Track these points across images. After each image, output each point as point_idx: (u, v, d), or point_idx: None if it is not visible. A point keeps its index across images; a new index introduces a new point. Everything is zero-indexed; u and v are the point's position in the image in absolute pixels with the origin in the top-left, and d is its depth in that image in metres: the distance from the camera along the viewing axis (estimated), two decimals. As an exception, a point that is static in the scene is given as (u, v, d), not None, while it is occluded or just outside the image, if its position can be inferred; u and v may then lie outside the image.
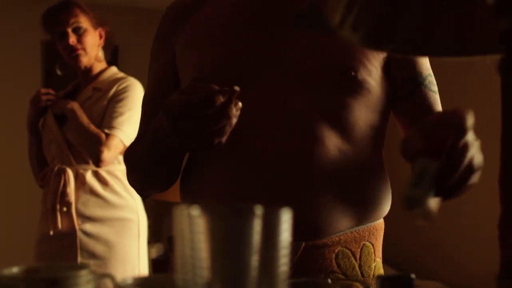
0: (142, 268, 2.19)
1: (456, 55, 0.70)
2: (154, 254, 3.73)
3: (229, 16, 1.06)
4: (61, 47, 2.16)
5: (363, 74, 0.98)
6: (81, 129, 2.07)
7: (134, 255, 2.16)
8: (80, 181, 2.10)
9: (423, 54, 0.89)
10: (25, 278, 0.68)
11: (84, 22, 2.15)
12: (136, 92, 2.18)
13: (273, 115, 0.97)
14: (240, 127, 0.89)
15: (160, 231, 3.89)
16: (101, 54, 2.26)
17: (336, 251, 0.97)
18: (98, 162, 2.06)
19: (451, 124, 0.69)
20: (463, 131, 0.69)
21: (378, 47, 0.74)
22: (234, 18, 1.06)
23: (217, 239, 0.50)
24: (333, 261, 0.96)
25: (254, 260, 0.51)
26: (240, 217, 0.51)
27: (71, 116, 2.09)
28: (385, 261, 1.09)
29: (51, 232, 2.07)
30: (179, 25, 1.11)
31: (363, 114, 1.00)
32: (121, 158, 2.15)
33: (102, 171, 2.12)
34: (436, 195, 0.66)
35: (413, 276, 0.70)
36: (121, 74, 2.26)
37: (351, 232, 0.98)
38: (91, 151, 2.07)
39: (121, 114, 2.11)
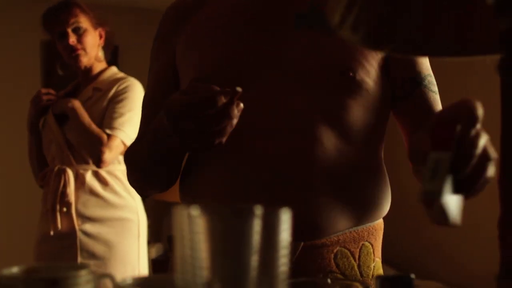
0: (142, 268, 2.19)
1: (456, 55, 0.70)
2: (154, 254, 3.73)
3: (229, 16, 1.06)
4: (61, 47, 2.16)
5: (361, 75, 0.98)
6: (82, 128, 2.07)
7: (134, 255, 2.16)
8: (80, 181, 2.10)
9: (423, 54, 0.89)
10: (24, 278, 0.68)
11: (84, 22, 2.15)
12: (136, 93, 2.18)
13: (274, 115, 0.97)
14: (240, 127, 0.89)
15: (160, 231, 3.89)
16: (101, 54, 2.26)
17: (335, 251, 0.97)
18: (99, 162, 2.06)
19: (461, 113, 0.66)
20: (473, 119, 0.65)
21: (378, 47, 0.74)
22: (234, 18, 1.05)
23: (217, 239, 0.50)
24: (332, 261, 0.96)
25: (254, 260, 0.51)
26: (240, 217, 0.51)
27: (72, 114, 2.09)
28: (384, 261, 1.09)
29: (51, 232, 2.07)
30: (179, 25, 1.11)
31: (362, 114, 1.00)
32: (121, 158, 2.15)
33: (102, 171, 2.12)
34: (456, 191, 0.64)
35: (412, 276, 0.70)
36: (121, 74, 2.26)
37: (350, 232, 0.98)
38: (92, 151, 2.07)
39: (122, 114, 2.11)
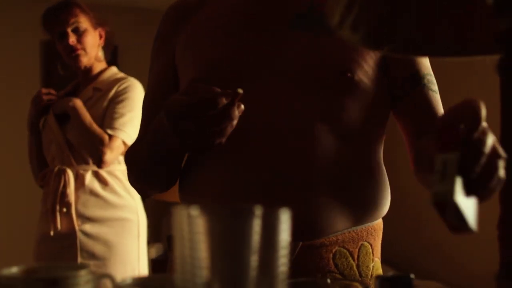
0: (142, 268, 2.19)
1: (456, 55, 0.70)
2: (154, 254, 3.73)
3: (229, 16, 1.06)
4: (61, 47, 2.16)
5: (359, 75, 0.98)
6: (84, 128, 2.07)
7: (134, 255, 2.16)
8: (80, 181, 2.10)
9: (423, 54, 0.89)
10: (24, 278, 0.68)
11: (84, 22, 2.15)
12: (136, 93, 2.18)
13: (273, 115, 0.97)
14: (239, 126, 0.89)
15: (160, 231, 3.89)
16: (101, 54, 2.25)
17: (334, 251, 0.97)
18: (100, 163, 2.06)
19: (464, 114, 0.64)
20: (478, 119, 0.64)
21: (378, 47, 0.73)
22: (234, 18, 1.05)
23: (217, 239, 0.50)
24: (331, 261, 0.96)
25: (254, 260, 0.50)
26: (239, 217, 0.51)
27: (73, 114, 2.09)
28: (384, 261, 1.09)
29: (51, 233, 2.07)
30: (179, 26, 1.11)
31: (361, 114, 1.00)
32: (121, 158, 2.15)
33: (102, 171, 2.12)
34: (469, 193, 0.61)
35: (412, 276, 0.70)
36: (121, 74, 2.26)
37: (349, 232, 0.98)
38: (93, 152, 2.07)
39: (123, 115, 2.11)
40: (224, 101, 0.84)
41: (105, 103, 2.14)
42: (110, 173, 2.14)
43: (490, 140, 0.65)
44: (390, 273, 0.70)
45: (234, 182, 0.97)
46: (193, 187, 1.04)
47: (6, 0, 4.06)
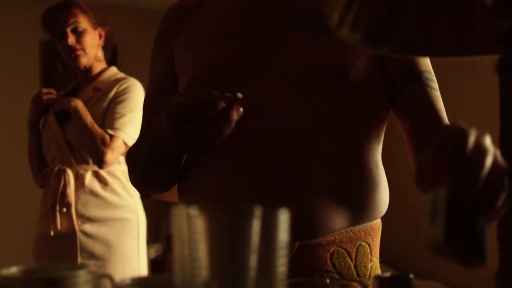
0: (141, 268, 2.19)
1: (456, 55, 0.70)
2: (153, 255, 3.73)
3: (229, 16, 1.06)
4: (60, 47, 2.16)
5: (359, 75, 0.98)
6: (85, 128, 2.06)
7: (134, 255, 2.16)
8: (80, 181, 2.10)
9: (423, 54, 0.89)
10: (23, 278, 0.68)
11: (83, 22, 2.14)
12: (137, 93, 2.18)
13: (273, 115, 0.97)
14: (239, 127, 0.89)
15: (159, 231, 3.89)
16: (100, 54, 2.25)
17: (331, 250, 0.96)
18: (101, 163, 2.06)
19: (448, 141, 0.60)
20: (463, 140, 0.59)
21: (377, 47, 0.73)
22: (234, 18, 1.05)
23: (216, 239, 0.50)
24: (328, 260, 0.96)
25: (253, 260, 0.50)
26: (238, 217, 0.51)
27: (75, 114, 2.08)
28: (383, 261, 1.09)
29: (51, 233, 2.07)
30: (179, 26, 1.11)
31: (360, 114, 1.00)
32: (121, 158, 2.15)
33: (102, 171, 2.12)
34: (474, 216, 0.56)
35: (411, 276, 0.70)
36: (121, 75, 2.26)
37: (347, 232, 0.98)
38: (94, 152, 2.06)
39: (123, 115, 2.10)
40: (223, 104, 0.84)
41: (106, 103, 2.13)
42: (110, 173, 2.14)
43: (489, 158, 0.60)
44: (389, 273, 0.70)
45: (233, 182, 0.97)
46: (192, 187, 1.04)
47: (6, 0, 4.06)
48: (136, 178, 1.12)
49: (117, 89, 2.16)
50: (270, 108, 0.97)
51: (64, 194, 2.07)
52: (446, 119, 1.01)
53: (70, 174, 2.09)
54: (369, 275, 0.99)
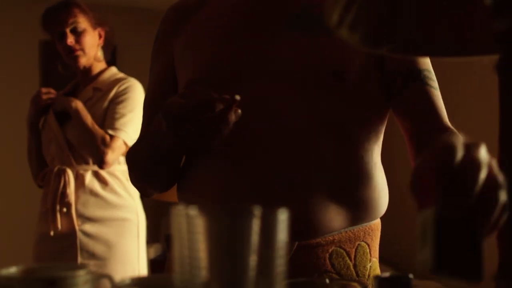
0: (141, 268, 2.19)
1: (456, 55, 0.69)
2: (152, 255, 3.72)
3: (229, 16, 1.06)
4: (60, 47, 2.16)
5: (356, 75, 0.98)
6: (85, 129, 2.06)
7: (134, 255, 2.16)
8: (80, 181, 2.10)
9: (423, 54, 0.89)
10: (22, 278, 0.68)
11: (83, 22, 2.14)
12: (137, 93, 2.18)
13: (271, 115, 0.97)
14: (238, 127, 0.90)
15: (158, 231, 3.88)
16: (100, 54, 2.25)
17: (330, 250, 0.96)
18: (101, 164, 2.06)
19: (435, 161, 0.58)
20: (450, 156, 0.57)
21: (377, 47, 0.73)
22: (234, 18, 1.06)
23: (215, 239, 0.50)
24: (327, 260, 0.96)
25: (252, 260, 0.50)
26: (238, 217, 0.51)
27: (75, 115, 2.08)
28: (382, 261, 1.08)
29: (51, 233, 2.06)
30: (179, 26, 1.11)
31: (359, 114, 1.00)
32: (121, 158, 2.15)
33: (102, 171, 2.12)
34: (469, 234, 0.53)
35: (411, 276, 0.70)
36: (121, 75, 2.26)
37: (346, 232, 0.98)
38: (94, 152, 2.06)
39: (123, 115, 2.10)
40: (220, 106, 0.85)
41: (106, 104, 2.13)
42: (110, 173, 2.14)
43: (482, 172, 0.57)
44: (388, 273, 0.70)
45: (233, 182, 0.97)
46: (192, 187, 1.04)
47: (6, 0, 4.06)
48: (136, 177, 1.12)
49: (117, 89, 2.15)
50: (270, 108, 0.97)
51: (64, 194, 2.07)
52: (446, 119, 1.01)
53: (70, 174, 2.09)
54: (368, 275, 0.99)
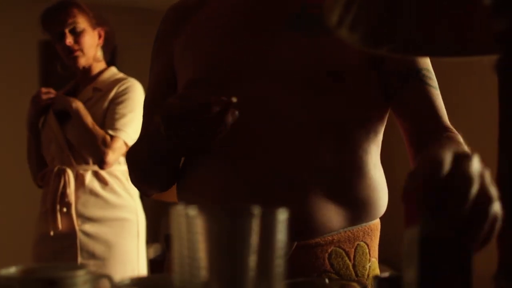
0: (141, 268, 2.19)
1: (456, 55, 0.69)
2: (152, 255, 3.72)
3: (229, 16, 1.06)
4: (59, 47, 2.16)
5: (356, 75, 0.98)
6: (86, 130, 2.06)
7: (134, 255, 2.16)
8: (80, 181, 2.10)
9: (423, 54, 0.89)
10: (22, 278, 0.68)
11: (82, 22, 2.14)
12: (137, 93, 2.18)
13: (270, 116, 0.97)
14: (237, 127, 0.90)
15: (158, 231, 3.88)
16: (99, 54, 2.25)
17: (329, 250, 0.96)
18: (102, 164, 2.06)
19: (421, 178, 0.56)
20: (436, 170, 0.55)
21: (377, 47, 0.73)
22: (234, 18, 1.06)
23: (215, 239, 0.50)
24: (326, 260, 0.96)
25: (252, 260, 0.50)
26: (237, 217, 0.51)
27: (75, 116, 2.08)
28: (382, 261, 1.08)
29: (51, 233, 2.06)
30: (179, 26, 1.11)
31: (358, 114, 1.00)
32: (121, 159, 2.15)
33: (102, 171, 2.12)
34: (457, 250, 0.51)
35: (411, 276, 0.70)
36: (121, 75, 2.25)
37: (345, 231, 0.98)
38: (95, 153, 2.06)
39: (123, 115, 2.10)
40: (217, 108, 0.86)
41: (105, 104, 2.13)
42: (110, 173, 2.14)
43: (474, 187, 0.55)
44: (387, 273, 0.70)
45: (232, 182, 0.97)
46: (192, 187, 1.04)
47: (6, 0, 4.06)
48: (136, 177, 1.13)
49: (117, 89, 2.15)
50: (270, 108, 0.97)
51: (64, 194, 2.07)
52: (446, 118, 1.01)
53: (70, 174, 2.09)
54: (368, 275, 0.99)
